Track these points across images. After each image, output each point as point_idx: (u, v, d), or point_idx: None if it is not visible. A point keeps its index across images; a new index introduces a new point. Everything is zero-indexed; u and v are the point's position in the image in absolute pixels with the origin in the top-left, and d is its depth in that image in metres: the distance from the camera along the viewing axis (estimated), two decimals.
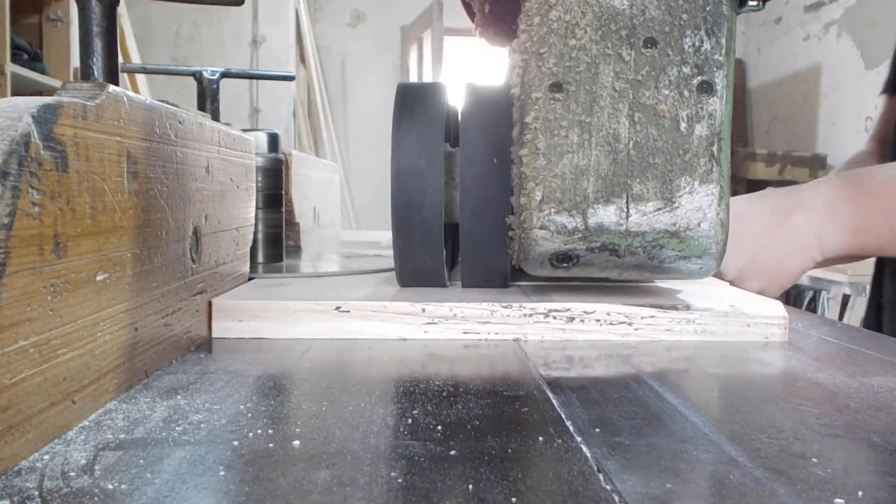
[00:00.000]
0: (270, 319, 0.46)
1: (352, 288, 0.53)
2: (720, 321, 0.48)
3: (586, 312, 0.47)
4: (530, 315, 0.47)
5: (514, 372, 0.39)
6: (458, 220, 0.50)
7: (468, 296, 0.49)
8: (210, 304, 0.46)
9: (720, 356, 0.44)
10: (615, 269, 0.47)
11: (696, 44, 0.44)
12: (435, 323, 0.46)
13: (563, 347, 0.45)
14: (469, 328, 0.47)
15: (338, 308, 0.46)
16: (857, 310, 2.73)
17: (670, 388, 0.36)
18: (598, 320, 0.47)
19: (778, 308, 0.49)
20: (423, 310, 0.46)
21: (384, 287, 0.55)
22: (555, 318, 0.47)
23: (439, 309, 0.47)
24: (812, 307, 2.74)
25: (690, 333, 0.47)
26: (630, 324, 0.47)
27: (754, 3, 0.45)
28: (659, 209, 0.44)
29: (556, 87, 0.44)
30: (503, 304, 0.47)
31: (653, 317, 0.47)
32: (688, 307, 0.47)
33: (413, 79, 4.33)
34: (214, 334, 0.46)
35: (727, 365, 0.42)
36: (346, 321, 0.46)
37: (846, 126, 3.51)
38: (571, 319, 0.47)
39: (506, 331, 0.47)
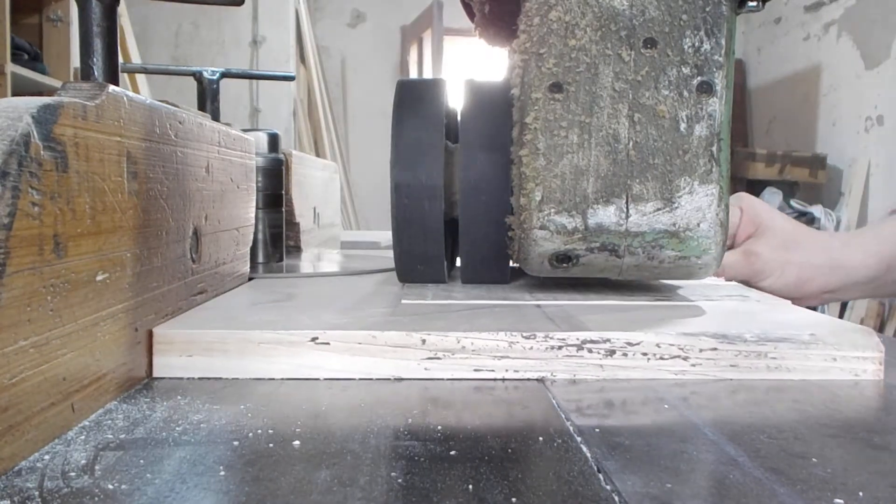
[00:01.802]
0: (228, 354, 0.36)
1: (336, 307, 0.44)
2: (799, 354, 0.38)
3: (630, 344, 0.38)
4: (559, 347, 0.37)
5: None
6: (458, 215, 0.50)
7: (479, 320, 0.41)
8: (150, 333, 0.36)
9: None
10: (615, 270, 0.47)
11: (696, 44, 0.44)
12: (438, 358, 0.37)
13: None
14: (481, 364, 0.37)
15: (314, 339, 0.37)
16: (858, 310, 2.73)
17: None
18: (644, 354, 0.38)
19: (870, 337, 0.39)
20: (423, 341, 0.37)
21: (377, 303, 0.46)
22: (590, 351, 0.38)
23: (443, 340, 0.37)
24: (812, 307, 2.74)
25: (761, 370, 0.38)
26: (685, 358, 0.38)
27: (754, 3, 0.45)
28: (658, 209, 0.44)
29: (556, 87, 0.44)
30: (525, 334, 0.37)
31: (714, 349, 0.38)
32: (759, 337, 0.38)
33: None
34: (156, 373, 0.36)
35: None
36: (324, 356, 0.37)
37: (846, 126, 3.51)
38: (611, 353, 0.38)
39: (528, 367, 0.37)
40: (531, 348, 0.38)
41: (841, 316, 2.58)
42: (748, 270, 0.68)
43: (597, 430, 0.30)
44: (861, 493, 0.24)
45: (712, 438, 0.25)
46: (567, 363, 0.38)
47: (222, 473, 0.25)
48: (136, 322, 0.35)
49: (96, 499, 0.22)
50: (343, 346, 0.37)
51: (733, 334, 0.38)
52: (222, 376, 0.36)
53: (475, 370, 0.37)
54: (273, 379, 0.36)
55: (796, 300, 0.59)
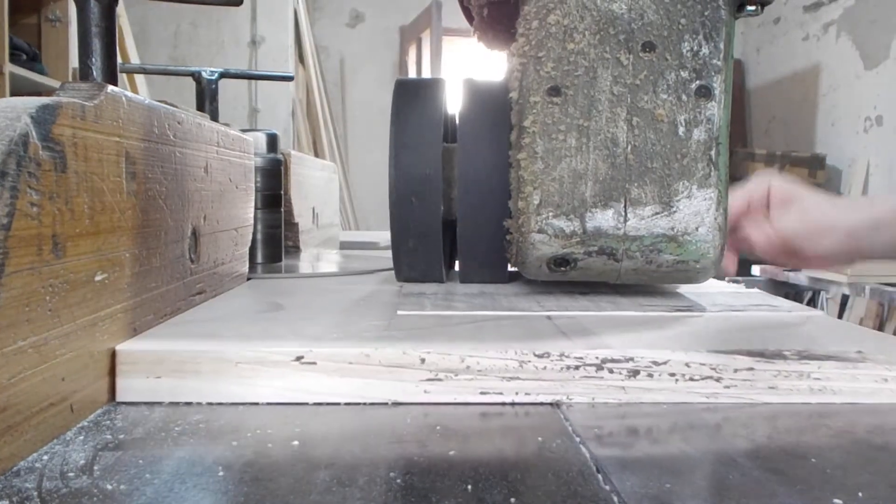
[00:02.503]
0: (201, 375, 0.32)
1: (327, 318, 0.41)
2: (846, 375, 0.34)
3: (656, 363, 0.34)
4: (575, 367, 0.33)
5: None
6: (457, 215, 0.50)
7: (484, 335, 0.37)
8: (113, 352, 0.32)
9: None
10: (613, 274, 0.47)
11: (695, 48, 0.44)
12: (439, 379, 0.33)
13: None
14: (488, 386, 0.33)
15: (299, 358, 0.33)
16: (857, 310, 2.73)
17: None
18: (672, 374, 0.34)
19: None
20: (423, 360, 0.33)
21: (371, 313, 0.42)
22: (611, 371, 0.34)
23: (445, 359, 0.33)
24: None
25: (804, 393, 0.34)
26: (718, 379, 0.34)
27: (752, 7, 0.45)
28: (657, 213, 0.44)
29: (555, 90, 0.44)
30: (537, 352, 0.33)
31: (751, 369, 0.34)
32: (800, 355, 0.34)
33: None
34: (119, 396, 0.32)
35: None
36: (311, 377, 0.33)
37: (845, 126, 3.51)
38: (634, 373, 0.34)
39: (541, 390, 0.33)
40: (545, 368, 0.33)
41: (840, 316, 2.59)
42: (806, 232, 0.61)
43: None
44: None
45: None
46: (585, 385, 0.34)
47: (221, 473, 0.25)
48: (134, 322, 0.35)
49: (95, 499, 0.22)
50: (332, 365, 0.33)
51: (771, 352, 0.34)
52: (194, 401, 0.32)
53: (481, 393, 0.33)
54: (254, 404, 0.32)
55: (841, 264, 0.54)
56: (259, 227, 0.72)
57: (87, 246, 0.30)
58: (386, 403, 0.33)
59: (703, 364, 0.34)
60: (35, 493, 0.23)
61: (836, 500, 0.23)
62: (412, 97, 0.51)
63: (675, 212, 0.44)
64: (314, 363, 0.33)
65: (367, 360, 0.33)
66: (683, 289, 0.54)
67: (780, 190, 0.65)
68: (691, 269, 0.46)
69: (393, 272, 0.53)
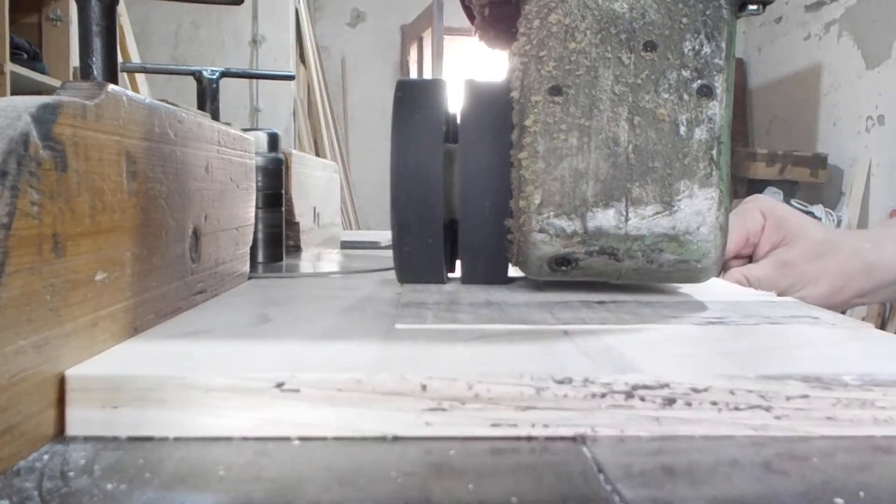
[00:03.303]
0: (167, 405, 0.28)
1: (316, 331, 0.37)
2: None
3: (695, 390, 0.29)
4: (602, 395, 0.29)
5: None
6: (458, 216, 0.50)
7: (494, 354, 0.33)
8: (62, 377, 0.28)
9: None
10: (614, 273, 0.47)
11: (696, 48, 0.44)
12: (443, 409, 0.29)
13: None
14: (500, 417, 0.29)
15: (279, 385, 0.28)
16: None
17: None
18: (714, 403, 0.29)
19: None
20: (424, 386, 0.28)
21: (365, 326, 0.39)
22: (643, 399, 0.29)
23: (450, 386, 0.28)
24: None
25: (867, 424, 0.29)
26: (768, 408, 0.29)
27: (754, 7, 0.45)
28: (658, 213, 0.44)
29: (556, 90, 0.44)
30: (557, 378, 0.29)
31: (805, 397, 0.29)
32: (862, 380, 0.29)
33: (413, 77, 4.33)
34: (70, 430, 0.27)
35: None
36: (293, 407, 0.28)
37: (846, 126, 3.51)
38: (670, 402, 0.29)
39: (562, 421, 0.29)
40: (566, 396, 0.29)
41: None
42: (784, 283, 0.63)
43: None
44: None
45: None
46: (613, 416, 0.29)
47: (221, 473, 0.25)
48: (135, 322, 0.35)
49: (95, 499, 0.22)
50: (318, 393, 0.28)
51: (829, 376, 0.29)
52: (157, 435, 0.27)
53: (493, 425, 0.28)
54: (227, 438, 0.27)
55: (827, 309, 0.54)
56: (260, 226, 0.72)
57: (87, 245, 0.30)
58: (381, 438, 0.28)
59: (751, 391, 0.29)
60: (35, 493, 0.23)
61: (837, 499, 0.22)
62: (413, 98, 0.51)
63: (676, 211, 0.44)
64: (297, 390, 0.28)
65: (358, 387, 0.28)
66: (710, 297, 0.49)
67: (772, 230, 0.65)
68: (693, 269, 0.46)
69: (393, 272, 0.53)
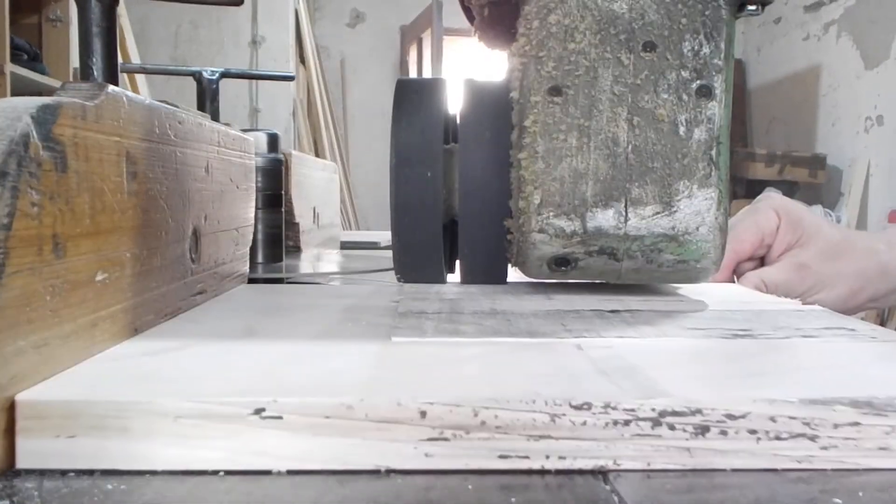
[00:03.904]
0: (131, 434, 0.24)
1: (302, 346, 0.34)
2: None
3: (731, 416, 0.26)
4: (625, 423, 0.25)
5: None
6: (458, 216, 0.50)
7: (502, 374, 0.30)
8: (12, 402, 0.24)
9: None
10: (613, 274, 0.47)
11: (695, 48, 0.44)
12: (445, 438, 0.25)
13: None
14: (510, 448, 0.25)
15: (259, 411, 0.24)
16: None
17: None
18: (752, 431, 0.26)
19: None
20: (423, 413, 0.25)
21: (358, 338, 0.35)
22: (672, 427, 0.26)
23: (453, 413, 0.25)
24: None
25: None
26: (813, 437, 0.26)
27: (753, 7, 0.45)
28: (657, 213, 0.44)
29: (555, 90, 0.44)
30: (574, 403, 0.25)
31: (855, 424, 0.26)
32: None
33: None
34: (21, 462, 0.24)
35: None
36: (275, 436, 0.25)
37: (846, 126, 3.52)
38: (703, 430, 0.26)
39: (580, 452, 0.25)
40: (585, 424, 0.25)
41: None
42: (802, 287, 0.60)
43: None
44: None
45: None
46: (639, 446, 0.26)
47: (222, 472, 0.25)
48: (135, 322, 0.35)
49: (96, 499, 0.22)
50: (303, 421, 0.25)
51: (882, 400, 0.26)
52: (120, 468, 0.24)
53: (501, 457, 0.25)
54: (200, 473, 0.24)
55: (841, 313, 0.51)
56: (260, 227, 0.72)
57: (87, 246, 0.30)
58: (374, 471, 0.25)
59: (794, 417, 0.26)
60: (36, 493, 0.23)
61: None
62: (413, 97, 0.51)
63: (675, 211, 0.44)
64: (279, 417, 0.24)
65: (349, 414, 0.25)
66: (730, 305, 0.46)
67: (787, 230, 0.62)
68: (692, 269, 0.46)
69: (392, 273, 0.53)
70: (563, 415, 0.25)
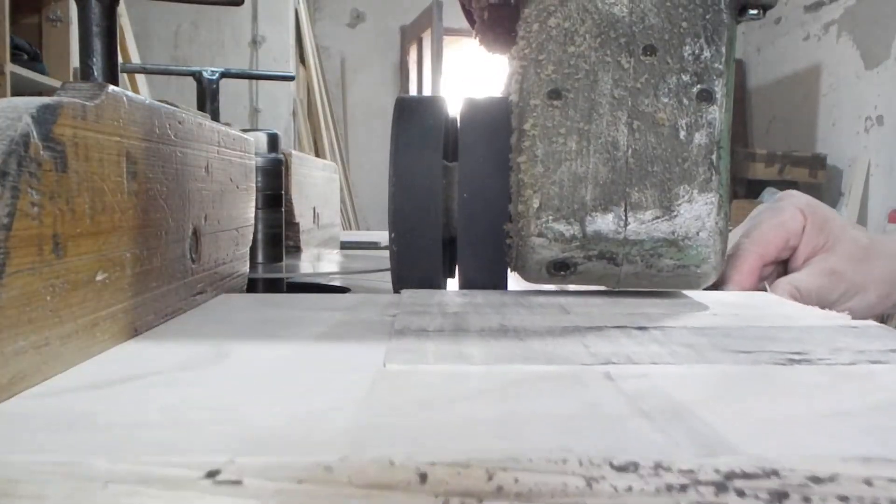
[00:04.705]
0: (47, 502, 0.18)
1: (278, 380, 0.27)
2: None
3: (816, 479, 0.20)
4: (681, 488, 0.19)
5: None
6: (456, 233, 0.50)
7: (519, 418, 0.23)
8: None
9: None
10: (613, 278, 0.47)
11: (696, 52, 0.44)
12: None
13: None
14: None
15: (212, 475, 0.19)
16: None
17: None
18: (843, 498, 0.20)
19: None
20: (424, 476, 0.19)
21: (345, 369, 0.29)
22: (741, 494, 0.19)
23: (462, 476, 0.19)
24: None
25: None
26: None
27: (755, 11, 0.45)
28: (657, 217, 0.44)
29: (555, 94, 0.44)
30: (616, 463, 0.19)
31: None
32: None
33: (413, 78, 4.33)
34: None
35: None
36: None
37: (846, 126, 3.52)
38: (780, 497, 0.20)
39: None
40: (630, 489, 0.19)
41: None
42: (835, 294, 0.56)
43: None
44: None
45: None
46: None
47: None
48: (135, 322, 0.35)
49: None
50: (269, 487, 0.19)
51: None
52: None
53: None
54: None
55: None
56: (260, 226, 0.72)
57: (87, 246, 0.30)
58: None
59: (893, 480, 0.20)
60: None
61: None
62: (412, 116, 0.51)
63: (675, 216, 0.44)
64: (238, 482, 0.19)
65: (328, 477, 0.19)
66: (769, 320, 0.40)
67: (814, 231, 0.58)
68: (692, 274, 0.46)
69: (389, 272, 0.53)
70: (603, 478, 0.19)
